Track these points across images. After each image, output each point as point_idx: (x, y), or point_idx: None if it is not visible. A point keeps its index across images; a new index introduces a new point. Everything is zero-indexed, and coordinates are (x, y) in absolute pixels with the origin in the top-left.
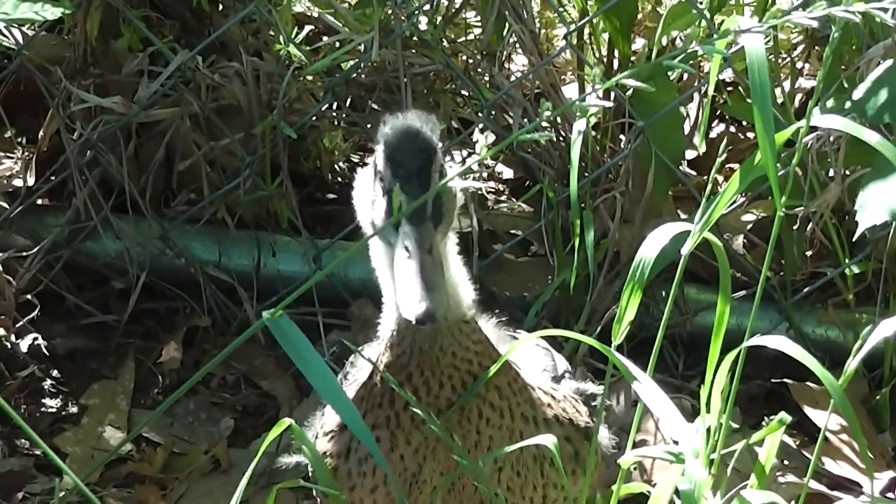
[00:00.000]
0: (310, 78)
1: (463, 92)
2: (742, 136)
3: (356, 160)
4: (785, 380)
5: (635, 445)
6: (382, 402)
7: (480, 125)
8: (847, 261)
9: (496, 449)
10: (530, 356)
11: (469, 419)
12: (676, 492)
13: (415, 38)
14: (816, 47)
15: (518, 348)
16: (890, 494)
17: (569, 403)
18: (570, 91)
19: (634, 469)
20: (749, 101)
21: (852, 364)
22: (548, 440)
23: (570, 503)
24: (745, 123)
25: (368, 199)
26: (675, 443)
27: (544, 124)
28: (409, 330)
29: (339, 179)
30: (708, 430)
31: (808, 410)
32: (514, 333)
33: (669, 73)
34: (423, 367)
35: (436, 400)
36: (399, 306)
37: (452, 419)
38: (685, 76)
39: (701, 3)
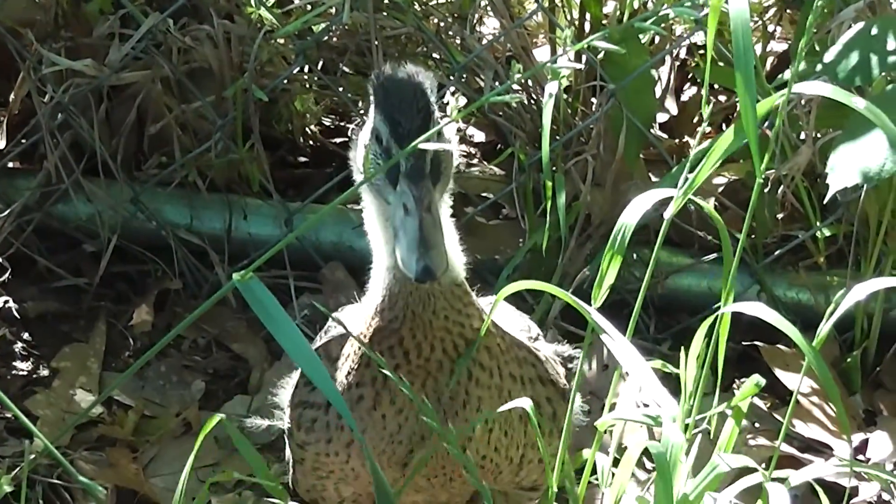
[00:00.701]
0: (281, 41)
1: (434, 55)
2: (713, 99)
3: (328, 123)
4: (756, 342)
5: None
6: (370, 362)
7: (452, 88)
8: (818, 224)
9: (484, 409)
10: (509, 318)
11: (458, 381)
12: (646, 453)
13: (386, 1)
14: (788, 10)
15: (497, 312)
16: (860, 456)
17: (550, 364)
18: (542, 54)
19: (605, 432)
20: (721, 64)
21: (825, 328)
22: (526, 403)
23: (546, 463)
24: (716, 87)
25: (365, 156)
26: (646, 405)
27: (515, 87)
28: (401, 294)
29: (311, 143)
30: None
31: (778, 373)
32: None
33: (641, 36)
34: (415, 330)
35: (426, 363)
36: (399, 264)
37: (441, 381)
38: (657, 39)
39: None
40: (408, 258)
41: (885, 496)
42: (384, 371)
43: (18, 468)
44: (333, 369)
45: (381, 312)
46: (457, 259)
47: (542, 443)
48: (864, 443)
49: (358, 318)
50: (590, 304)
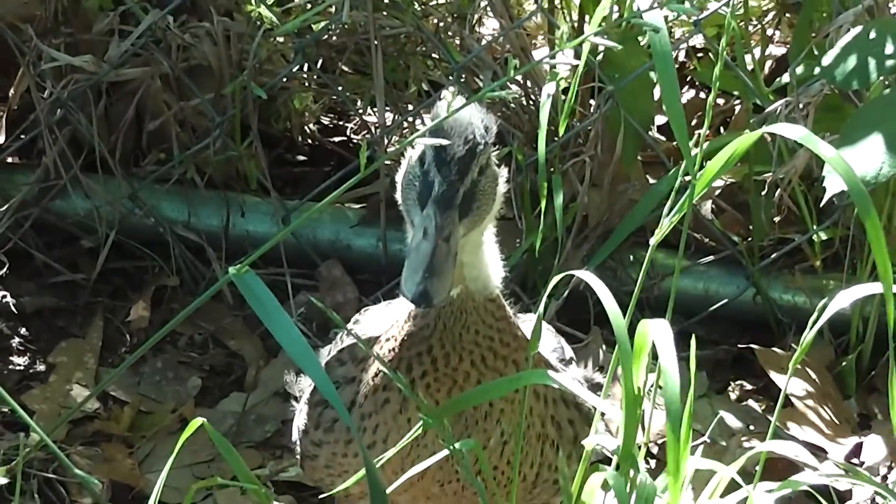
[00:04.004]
0: (280, 39)
1: (433, 55)
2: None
3: (326, 122)
4: (751, 345)
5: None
6: (399, 367)
7: (450, 88)
8: (815, 227)
9: (504, 422)
10: (543, 337)
11: None
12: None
13: (386, 0)
14: (787, 14)
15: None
16: (854, 460)
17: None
18: (541, 56)
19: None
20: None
21: (810, 333)
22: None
23: (562, 485)
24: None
25: (408, 179)
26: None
27: (514, 87)
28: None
29: (309, 141)
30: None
31: (773, 376)
32: (525, 316)
33: (639, 39)
34: (444, 341)
35: (453, 372)
36: (400, 283)
37: (467, 391)
38: None
39: None
40: (410, 279)
41: (879, 500)
42: (410, 376)
43: (14, 462)
44: (359, 370)
45: (414, 318)
46: (494, 275)
47: (563, 463)
48: (859, 446)
49: (384, 318)
50: (586, 306)
